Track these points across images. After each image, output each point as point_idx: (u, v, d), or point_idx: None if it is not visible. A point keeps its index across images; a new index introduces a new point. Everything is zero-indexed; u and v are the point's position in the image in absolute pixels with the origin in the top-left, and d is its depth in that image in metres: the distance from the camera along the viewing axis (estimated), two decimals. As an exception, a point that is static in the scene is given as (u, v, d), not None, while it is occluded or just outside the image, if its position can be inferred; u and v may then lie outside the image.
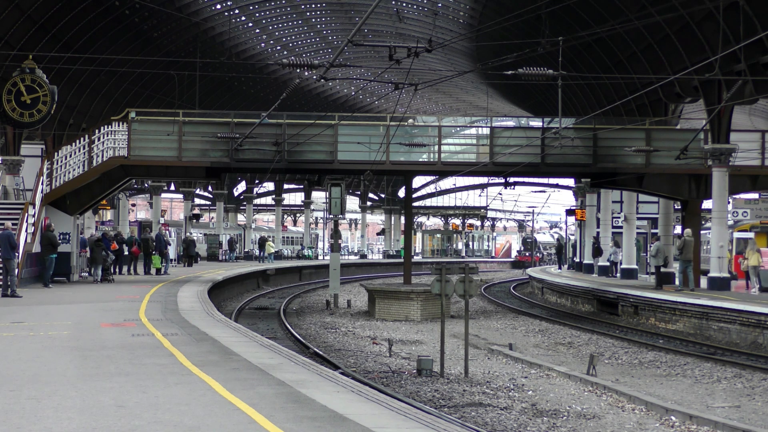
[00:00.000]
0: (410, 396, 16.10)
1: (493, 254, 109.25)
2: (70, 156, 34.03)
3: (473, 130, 39.98)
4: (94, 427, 8.29)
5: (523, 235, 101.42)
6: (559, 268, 62.80)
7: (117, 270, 37.89)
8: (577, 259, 56.04)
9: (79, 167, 33.96)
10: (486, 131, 36.06)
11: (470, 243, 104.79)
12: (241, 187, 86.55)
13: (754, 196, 48.54)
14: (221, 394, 9.97)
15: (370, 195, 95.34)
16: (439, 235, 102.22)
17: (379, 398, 10.43)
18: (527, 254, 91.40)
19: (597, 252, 47.83)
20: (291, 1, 50.59)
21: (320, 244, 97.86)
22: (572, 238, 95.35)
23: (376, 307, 33.83)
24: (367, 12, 22.64)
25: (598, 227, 48.99)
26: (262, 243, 64.42)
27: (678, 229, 46.03)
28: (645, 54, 36.66)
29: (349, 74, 63.41)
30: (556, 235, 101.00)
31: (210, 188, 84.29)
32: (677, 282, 36.42)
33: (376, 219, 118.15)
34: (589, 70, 39.92)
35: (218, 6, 47.49)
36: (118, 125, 34.23)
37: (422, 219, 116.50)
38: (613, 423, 14.62)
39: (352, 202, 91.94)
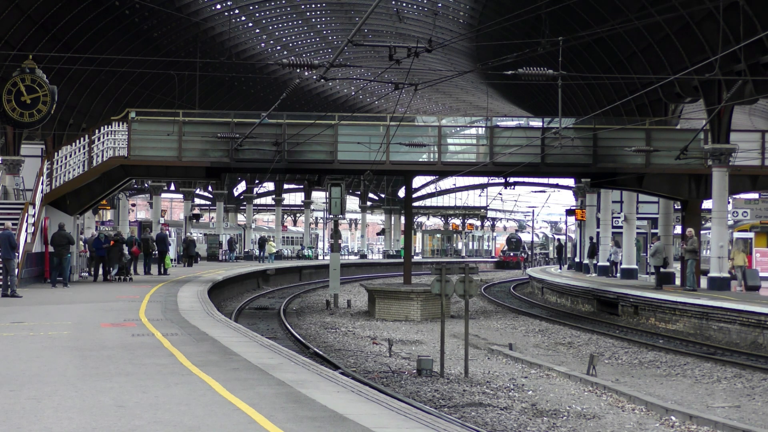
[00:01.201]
0: (410, 396, 16.09)
1: (493, 254, 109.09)
2: (70, 156, 34.02)
3: (473, 130, 39.98)
4: (94, 427, 8.29)
5: (508, 235, 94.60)
6: (560, 268, 62.80)
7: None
8: (577, 259, 56.05)
9: (79, 167, 33.95)
10: (486, 131, 36.05)
11: (470, 243, 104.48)
12: (241, 187, 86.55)
13: (754, 196, 48.55)
14: (221, 394, 9.97)
15: (370, 195, 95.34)
16: (439, 235, 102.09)
17: (379, 398, 10.43)
18: (512, 254, 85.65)
19: (592, 252, 47.78)
20: (291, 1, 50.59)
21: (320, 244, 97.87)
22: (557, 237, 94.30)
23: (376, 307, 33.83)
24: (367, 12, 22.64)
25: (598, 227, 49.00)
26: (262, 243, 64.55)
27: (678, 229, 46.07)
28: (645, 54, 36.66)
29: (349, 74, 63.40)
30: (541, 234, 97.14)
31: (210, 188, 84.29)
32: (677, 282, 36.49)
33: (376, 219, 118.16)
34: (589, 70, 39.92)
35: (218, 6, 47.50)
36: (118, 125, 34.23)
37: (422, 219, 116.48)
38: (613, 423, 14.62)
39: (352, 202, 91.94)
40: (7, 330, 16.61)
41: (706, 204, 37.05)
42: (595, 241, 48.07)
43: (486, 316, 35.29)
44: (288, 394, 10.10)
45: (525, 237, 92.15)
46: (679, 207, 39.15)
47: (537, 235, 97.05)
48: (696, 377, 19.68)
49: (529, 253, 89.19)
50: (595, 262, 47.71)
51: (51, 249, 30.60)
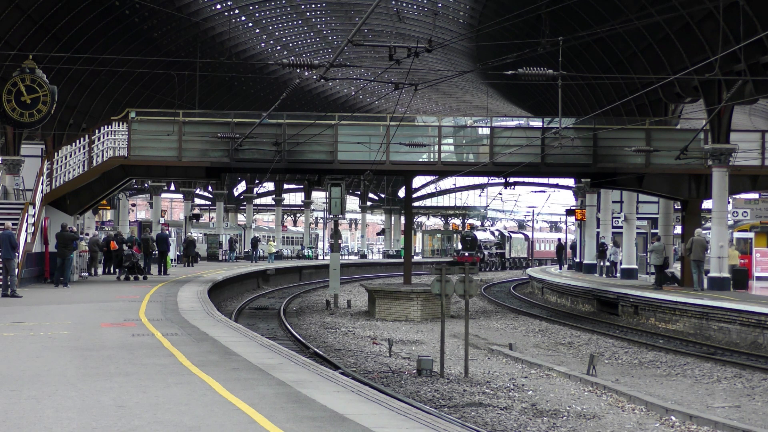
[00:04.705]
0: (410, 396, 16.09)
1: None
2: (70, 156, 34.03)
3: (473, 130, 39.98)
4: (94, 427, 8.29)
5: (463, 233, 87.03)
6: (560, 268, 62.79)
7: (116, 270, 37.90)
8: (577, 259, 56.05)
9: (79, 167, 33.95)
10: (486, 131, 36.07)
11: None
12: (241, 187, 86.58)
13: (754, 196, 48.52)
14: (221, 394, 9.97)
15: (370, 195, 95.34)
16: (439, 235, 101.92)
17: (379, 398, 10.43)
18: (467, 254, 79.19)
19: (602, 254, 47.71)
20: (291, 1, 50.61)
21: (320, 244, 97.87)
22: (513, 236, 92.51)
23: (376, 307, 33.83)
24: (367, 12, 22.64)
25: (598, 227, 48.97)
26: (254, 243, 65.17)
27: (678, 229, 46.05)
28: (645, 54, 36.66)
29: (349, 74, 63.42)
30: (496, 232, 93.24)
31: (210, 188, 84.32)
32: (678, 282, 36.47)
33: (376, 219, 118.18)
34: (589, 70, 39.92)
35: (218, 6, 47.50)
36: (118, 125, 34.24)
37: (422, 219, 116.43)
38: (613, 423, 14.62)
39: (352, 202, 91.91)
40: (7, 330, 16.61)
41: (706, 204, 37.05)
42: (604, 242, 47.85)
43: (486, 316, 35.28)
44: (288, 394, 10.10)
45: (480, 236, 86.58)
46: (679, 207, 39.16)
47: (492, 233, 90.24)
48: (696, 377, 19.68)
49: (485, 253, 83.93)
50: (602, 263, 47.65)
51: (53, 249, 30.59)
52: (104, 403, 9.41)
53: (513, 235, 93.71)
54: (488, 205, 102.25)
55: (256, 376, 11.34)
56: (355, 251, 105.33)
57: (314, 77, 54.35)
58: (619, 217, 47.40)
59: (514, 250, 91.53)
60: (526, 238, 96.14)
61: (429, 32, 43.51)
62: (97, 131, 34.55)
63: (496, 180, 78.97)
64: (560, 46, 24.70)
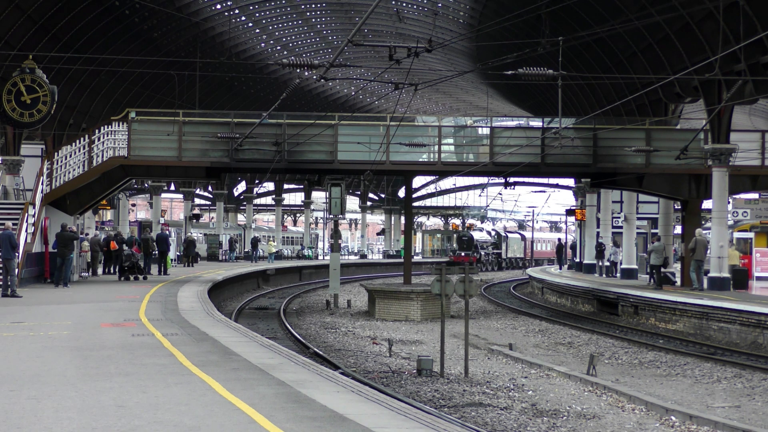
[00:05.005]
0: (410, 396, 16.09)
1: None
2: (70, 156, 34.02)
3: (473, 130, 39.97)
4: (94, 427, 8.29)
5: (459, 233, 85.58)
6: (560, 268, 62.78)
7: (116, 270, 37.90)
8: (576, 259, 56.05)
9: (79, 167, 33.95)
10: (486, 131, 36.07)
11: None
12: (241, 187, 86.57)
13: (754, 196, 48.52)
14: (221, 394, 9.97)
15: (370, 195, 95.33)
16: (438, 235, 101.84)
17: (379, 398, 10.43)
18: (463, 254, 77.47)
19: (600, 254, 47.73)
20: (291, 1, 50.61)
21: (320, 244, 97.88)
22: (510, 236, 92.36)
23: (376, 307, 33.83)
24: (367, 12, 22.64)
25: (598, 227, 48.97)
26: (254, 243, 65.24)
27: (678, 229, 46.04)
28: (645, 54, 36.67)
29: (349, 74, 63.42)
30: (493, 232, 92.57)
31: (210, 188, 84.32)
32: (678, 282, 36.47)
33: (376, 219, 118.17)
34: (589, 70, 39.92)
35: (218, 6, 47.50)
36: (118, 125, 34.24)
37: (422, 219, 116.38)
38: (613, 423, 14.62)
39: (352, 202, 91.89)
40: (7, 330, 16.61)
41: (706, 204, 37.05)
42: (602, 242, 47.85)
43: (486, 316, 35.29)
44: (288, 394, 10.10)
45: (476, 236, 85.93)
46: (679, 207, 39.16)
47: (489, 233, 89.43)
48: (696, 377, 19.68)
49: (482, 253, 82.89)
50: (601, 263, 47.65)
51: (53, 249, 30.56)
52: (104, 403, 9.41)
53: (510, 234, 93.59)
54: (488, 205, 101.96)
55: (256, 376, 11.34)
56: (355, 251, 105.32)
57: (314, 77, 54.35)
58: (619, 217, 47.41)
59: (510, 250, 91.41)
60: (523, 238, 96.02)
61: (429, 32, 43.50)
62: (97, 131, 34.55)
63: (496, 180, 78.83)
64: (560, 46, 24.69)
